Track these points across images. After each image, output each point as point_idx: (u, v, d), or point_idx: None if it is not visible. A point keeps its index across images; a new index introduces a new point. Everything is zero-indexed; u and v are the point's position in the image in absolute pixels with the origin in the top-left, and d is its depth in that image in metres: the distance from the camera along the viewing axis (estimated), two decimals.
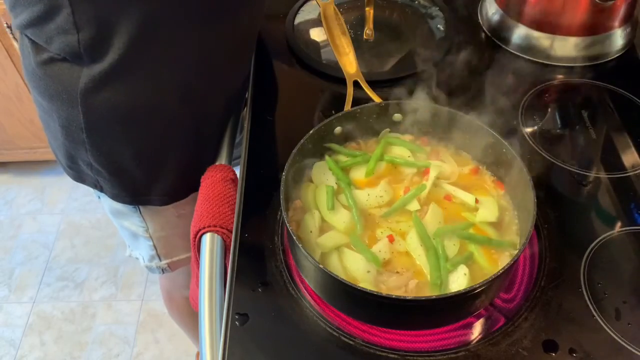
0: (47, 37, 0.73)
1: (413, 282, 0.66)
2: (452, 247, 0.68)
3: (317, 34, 1.06)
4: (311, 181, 0.76)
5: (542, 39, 1.00)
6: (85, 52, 0.72)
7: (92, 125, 0.79)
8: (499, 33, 1.05)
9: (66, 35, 0.71)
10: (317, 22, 1.07)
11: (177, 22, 0.73)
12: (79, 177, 0.91)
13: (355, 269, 0.66)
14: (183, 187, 0.92)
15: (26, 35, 0.77)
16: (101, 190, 0.91)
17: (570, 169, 0.83)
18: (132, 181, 0.88)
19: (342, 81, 0.93)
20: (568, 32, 0.98)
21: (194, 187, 0.87)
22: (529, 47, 1.01)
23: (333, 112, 0.86)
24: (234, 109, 0.94)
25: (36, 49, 0.77)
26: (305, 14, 1.10)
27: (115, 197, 0.91)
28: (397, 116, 0.80)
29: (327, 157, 0.77)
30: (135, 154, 0.84)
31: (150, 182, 0.89)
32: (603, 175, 0.82)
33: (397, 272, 0.67)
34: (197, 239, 0.77)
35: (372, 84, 0.92)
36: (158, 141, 0.84)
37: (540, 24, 0.99)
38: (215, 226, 0.75)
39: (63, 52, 0.73)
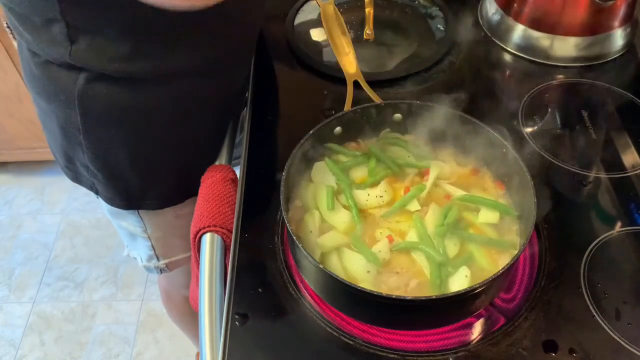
0: (41, 48, 0.73)
1: (413, 282, 0.66)
2: (452, 247, 0.68)
3: (317, 34, 1.06)
4: (311, 181, 0.76)
5: (542, 39, 1.00)
6: (77, 63, 0.72)
7: (89, 127, 0.79)
8: (499, 33, 1.05)
9: (58, 47, 0.71)
10: (317, 22, 1.07)
11: (175, 28, 0.73)
12: (76, 177, 0.91)
13: (355, 269, 0.66)
14: (179, 191, 0.92)
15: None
16: (96, 193, 0.91)
17: (570, 169, 0.83)
18: (126, 186, 0.88)
19: (342, 81, 0.93)
20: (568, 32, 0.98)
21: (189, 192, 0.87)
22: (528, 47, 1.01)
23: (333, 112, 0.86)
24: (234, 109, 0.94)
25: (34, 51, 0.77)
26: (305, 14, 1.10)
27: (109, 201, 0.91)
28: (397, 116, 0.79)
29: (326, 159, 0.77)
30: (132, 157, 0.83)
31: (146, 187, 0.89)
32: (603, 175, 0.82)
33: (397, 272, 0.67)
34: (197, 239, 0.77)
35: (372, 84, 0.91)
36: (155, 144, 0.84)
37: (540, 24, 0.99)
38: (215, 226, 0.75)
39: (56, 61, 0.74)
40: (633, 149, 0.86)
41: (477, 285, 0.59)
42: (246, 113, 0.93)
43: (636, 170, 0.83)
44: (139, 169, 0.86)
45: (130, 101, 0.77)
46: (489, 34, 1.07)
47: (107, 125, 0.79)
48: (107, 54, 0.71)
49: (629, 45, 1.03)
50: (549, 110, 0.93)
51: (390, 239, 0.69)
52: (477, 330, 0.67)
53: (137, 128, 0.81)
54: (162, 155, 0.86)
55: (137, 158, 0.84)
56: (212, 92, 0.85)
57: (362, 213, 0.72)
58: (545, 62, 1.00)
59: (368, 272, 0.66)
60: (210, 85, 0.83)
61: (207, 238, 0.75)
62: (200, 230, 0.75)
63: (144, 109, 0.79)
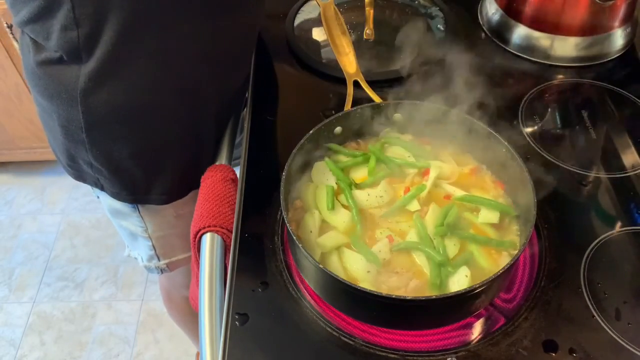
0: (47, 33, 0.73)
1: (413, 282, 0.66)
2: (452, 247, 0.68)
3: (317, 34, 1.06)
4: (311, 181, 0.76)
5: (542, 39, 1.00)
6: (84, 49, 0.72)
7: (92, 125, 0.79)
8: (499, 33, 1.05)
9: (66, 32, 0.71)
10: (317, 22, 1.07)
11: (169, 13, 0.73)
12: (79, 175, 0.91)
13: (355, 269, 0.66)
14: (182, 186, 0.92)
15: (26, 33, 0.77)
16: (102, 188, 0.91)
17: (570, 169, 0.83)
18: (132, 180, 0.88)
19: (342, 81, 0.93)
20: (568, 32, 0.98)
21: (193, 185, 0.87)
22: (529, 47, 1.01)
23: (333, 112, 0.86)
24: (234, 109, 0.94)
25: (36, 48, 0.77)
26: (305, 14, 1.10)
27: (115, 196, 0.91)
28: (397, 116, 0.80)
29: (326, 159, 0.77)
30: (135, 153, 0.84)
31: (150, 181, 0.89)
32: (603, 175, 0.82)
33: (397, 272, 0.67)
34: (197, 239, 0.77)
35: (372, 84, 0.92)
36: (157, 141, 0.84)
37: (540, 24, 0.99)
38: (215, 226, 0.75)
39: (62, 49, 0.73)
40: (633, 149, 0.86)
41: (477, 285, 0.59)
42: (246, 113, 0.93)
43: (636, 170, 0.83)
44: (144, 163, 0.86)
45: (132, 99, 0.77)
46: (489, 34, 1.07)
47: (110, 123, 0.79)
48: (105, 33, 0.71)
49: (629, 45, 1.03)
50: (549, 110, 0.93)
51: (390, 239, 0.69)
52: (477, 330, 0.67)
53: (140, 125, 0.81)
54: (166, 150, 0.86)
55: (141, 153, 0.84)
56: (213, 92, 0.85)
57: (362, 213, 0.72)
58: (545, 62, 1.00)
59: (368, 272, 0.66)
60: (211, 85, 0.83)
61: (207, 238, 0.75)
62: (200, 230, 0.75)
63: (145, 107, 0.79)
